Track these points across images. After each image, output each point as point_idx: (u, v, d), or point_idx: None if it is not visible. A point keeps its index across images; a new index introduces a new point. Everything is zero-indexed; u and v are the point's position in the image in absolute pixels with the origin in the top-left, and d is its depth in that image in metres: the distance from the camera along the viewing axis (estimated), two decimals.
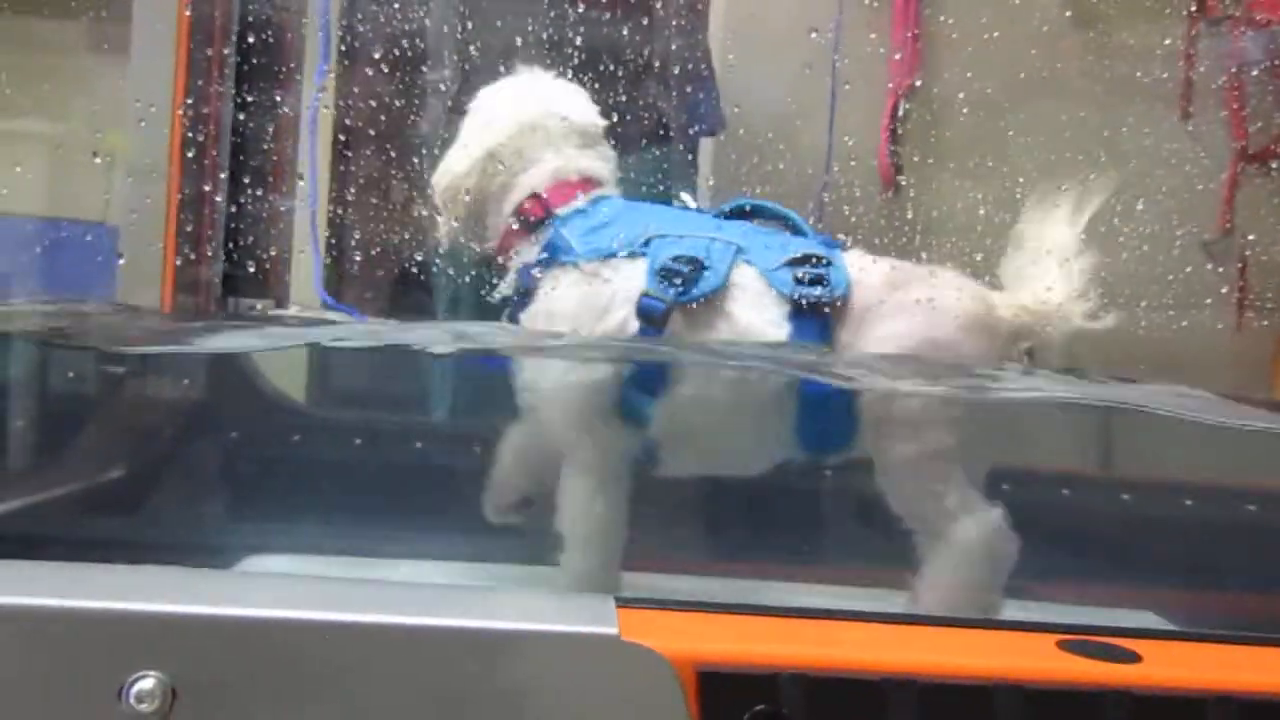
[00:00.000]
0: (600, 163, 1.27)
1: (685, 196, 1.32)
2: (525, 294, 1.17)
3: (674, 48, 1.90)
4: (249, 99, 1.68)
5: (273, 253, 1.71)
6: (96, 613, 0.65)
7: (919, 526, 1.11)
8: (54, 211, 1.65)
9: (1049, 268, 1.18)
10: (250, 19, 1.65)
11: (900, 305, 1.17)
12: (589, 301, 1.14)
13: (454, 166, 1.24)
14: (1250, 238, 2.09)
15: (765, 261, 1.16)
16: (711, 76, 1.93)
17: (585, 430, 1.15)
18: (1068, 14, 2.10)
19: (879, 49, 2.13)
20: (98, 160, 1.58)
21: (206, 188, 1.61)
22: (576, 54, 1.83)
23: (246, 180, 1.66)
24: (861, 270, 1.17)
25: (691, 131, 1.95)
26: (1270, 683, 0.64)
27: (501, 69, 1.76)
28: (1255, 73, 2.11)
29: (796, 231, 1.23)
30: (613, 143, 1.66)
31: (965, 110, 2.02)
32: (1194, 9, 2.10)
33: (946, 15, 2.15)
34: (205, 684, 0.66)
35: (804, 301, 1.13)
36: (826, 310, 1.13)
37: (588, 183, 1.23)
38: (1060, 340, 1.17)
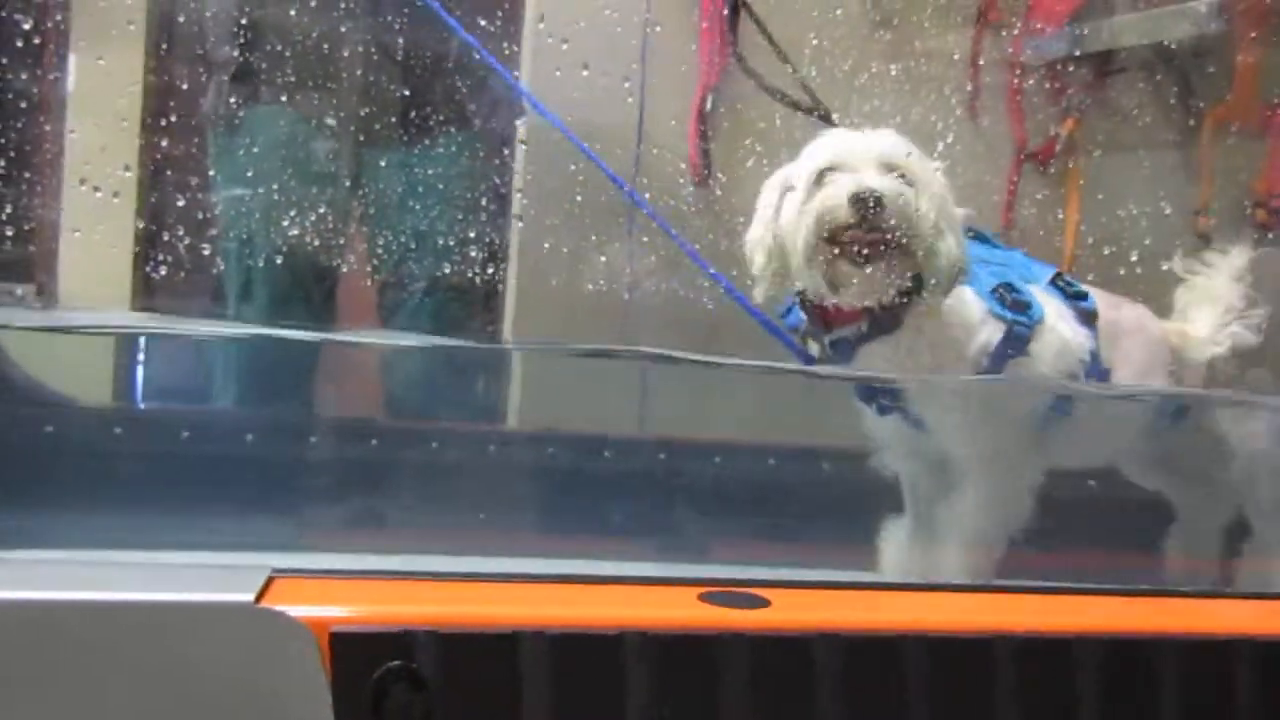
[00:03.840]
0: None
1: None
2: (889, 326, 1.22)
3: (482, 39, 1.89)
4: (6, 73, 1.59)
5: (37, 238, 1.62)
6: None
7: None
8: None
9: (1207, 310, 1.42)
10: None
11: (1126, 323, 1.35)
12: (965, 323, 1.22)
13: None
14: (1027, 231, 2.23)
15: (1033, 281, 1.29)
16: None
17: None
18: (868, 15, 2.20)
19: (689, 44, 2.18)
20: None
21: None
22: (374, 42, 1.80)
23: (3, 160, 1.57)
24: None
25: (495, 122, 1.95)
26: (870, 620, 0.69)
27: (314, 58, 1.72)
28: (1033, 79, 2.26)
29: (995, 248, 1.34)
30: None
31: (771, 106, 2.08)
32: (980, 16, 2.23)
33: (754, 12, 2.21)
34: None
35: (1086, 314, 1.27)
36: (1096, 323, 1.28)
37: None
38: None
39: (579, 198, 1.78)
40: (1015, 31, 2.30)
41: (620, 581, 0.73)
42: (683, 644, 0.67)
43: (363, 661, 0.64)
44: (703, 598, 0.71)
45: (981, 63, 2.23)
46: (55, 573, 0.71)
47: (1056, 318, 1.27)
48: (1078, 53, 2.26)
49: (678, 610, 0.69)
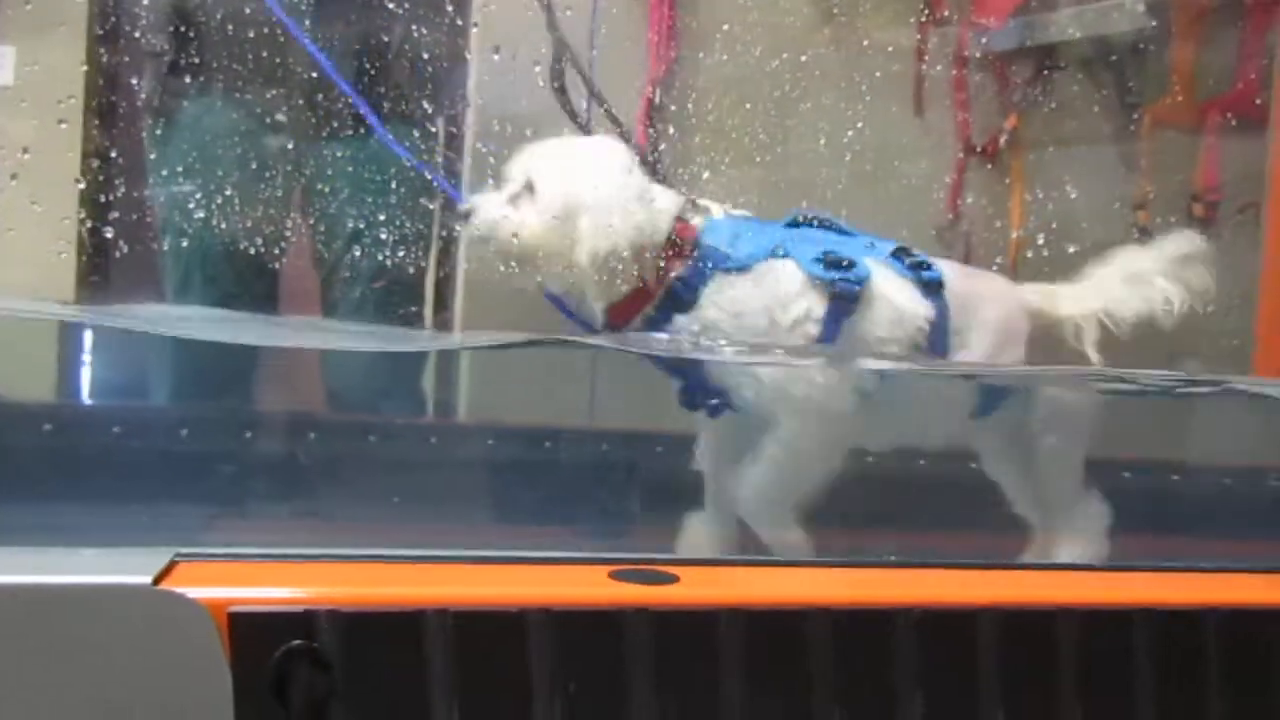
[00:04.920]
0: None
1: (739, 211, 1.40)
2: (683, 306, 1.24)
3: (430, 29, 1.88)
4: None
5: None
6: None
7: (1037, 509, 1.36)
8: None
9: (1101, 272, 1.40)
10: None
11: (982, 295, 1.34)
12: (771, 296, 1.23)
13: (607, 244, 1.24)
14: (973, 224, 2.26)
15: (873, 256, 1.29)
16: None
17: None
18: (815, 9, 2.21)
19: (638, 36, 2.18)
20: None
21: None
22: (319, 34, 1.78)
23: None
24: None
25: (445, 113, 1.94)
26: (775, 595, 0.70)
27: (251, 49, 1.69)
28: (977, 74, 2.29)
29: (846, 234, 1.34)
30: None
31: (718, 98, 2.09)
32: (925, 11, 2.25)
33: (701, 5, 2.21)
34: None
35: (928, 284, 1.27)
36: (943, 293, 1.28)
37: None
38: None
39: None
40: (960, 26, 2.33)
41: (530, 561, 0.73)
42: (592, 620, 0.67)
43: (263, 642, 0.64)
44: (613, 575, 0.71)
45: (926, 57, 2.25)
46: None
47: (889, 287, 1.27)
48: (1020, 47, 2.29)
49: (587, 588, 0.70)
